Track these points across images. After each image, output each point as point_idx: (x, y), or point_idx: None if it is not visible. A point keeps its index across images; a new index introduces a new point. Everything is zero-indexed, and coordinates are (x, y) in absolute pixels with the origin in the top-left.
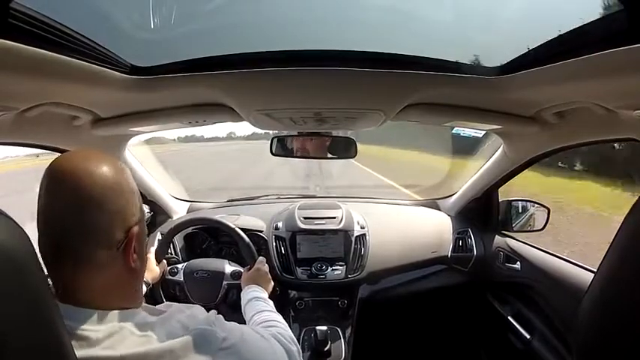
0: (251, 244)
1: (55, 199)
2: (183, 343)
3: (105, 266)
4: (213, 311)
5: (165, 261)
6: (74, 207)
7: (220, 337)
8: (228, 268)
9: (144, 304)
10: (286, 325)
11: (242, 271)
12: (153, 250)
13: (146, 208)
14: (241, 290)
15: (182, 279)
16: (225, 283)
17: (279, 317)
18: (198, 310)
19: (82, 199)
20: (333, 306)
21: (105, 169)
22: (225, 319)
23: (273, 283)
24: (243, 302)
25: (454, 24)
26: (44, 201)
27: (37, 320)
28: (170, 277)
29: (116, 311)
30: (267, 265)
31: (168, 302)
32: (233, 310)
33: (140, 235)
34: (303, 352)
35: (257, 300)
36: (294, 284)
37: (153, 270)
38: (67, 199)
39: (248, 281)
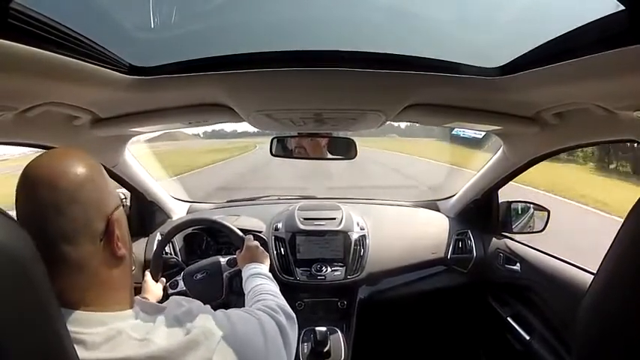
0: (235, 228)
1: (32, 203)
2: (184, 343)
3: (91, 262)
4: (207, 306)
5: (164, 278)
6: (51, 208)
7: (218, 335)
8: (223, 259)
9: (140, 300)
10: (277, 293)
11: (236, 256)
12: (148, 273)
13: (121, 194)
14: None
15: (184, 288)
16: (225, 274)
17: (270, 286)
18: (194, 305)
19: (57, 199)
20: (332, 307)
21: (76, 166)
22: (237, 308)
23: (267, 253)
24: (243, 284)
25: (455, 24)
26: (21, 206)
27: (39, 322)
28: (172, 291)
29: (112, 313)
30: (255, 240)
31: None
32: (243, 298)
33: (120, 220)
34: (303, 352)
35: (252, 277)
36: (294, 285)
37: (153, 291)
38: (43, 200)
39: (244, 261)
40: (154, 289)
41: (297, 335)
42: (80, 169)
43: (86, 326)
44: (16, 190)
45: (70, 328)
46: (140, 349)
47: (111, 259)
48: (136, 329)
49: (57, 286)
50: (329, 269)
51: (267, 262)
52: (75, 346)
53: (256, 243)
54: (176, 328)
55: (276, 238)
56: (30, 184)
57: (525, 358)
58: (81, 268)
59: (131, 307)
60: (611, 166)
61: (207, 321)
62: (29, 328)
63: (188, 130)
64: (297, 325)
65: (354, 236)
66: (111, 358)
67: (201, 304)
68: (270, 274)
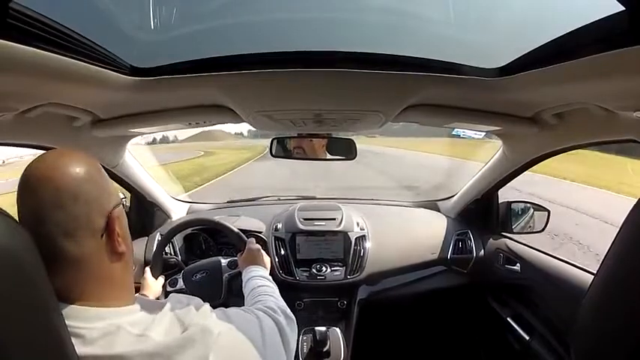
0: (236, 229)
1: (34, 202)
2: (180, 340)
3: (92, 257)
4: (207, 304)
5: (163, 276)
6: (53, 206)
7: (216, 332)
8: (224, 260)
9: (140, 297)
10: (277, 295)
11: (237, 259)
12: (148, 269)
13: (120, 195)
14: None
15: (183, 286)
16: (225, 275)
17: (270, 289)
18: (194, 302)
19: (59, 197)
20: (332, 307)
21: (76, 165)
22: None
23: (268, 258)
24: (243, 285)
25: (454, 25)
26: (23, 205)
27: (39, 319)
28: (171, 289)
29: (112, 309)
30: (257, 243)
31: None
32: (242, 300)
33: (120, 217)
34: (302, 352)
35: (252, 279)
36: (294, 285)
37: (152, 287)
38: (44, 199)
39: (244, 263)
40: (153, 285)
41: (296, 337)
42: (80, 168)
43: (85, 321)
44: (18, 190)
45: (70, 322)
46: (136, 345)
47: (112, 255)
48: (135, 325)
49: (58, 282)
50: (329, 269)
51: (269, 265)
52: (74, 340)
53: (258, 246)
54: (174, 324)
55: (276, 239)
56: (31, 184)
57: (525, 358)
58: (81, 264)
59: (132, 304)
60: None
61: (205, 319)
62: (28, 325)
63: (230, 128)
64: (296, 327)
65: (354, 236)
66: (106, 354)
67: (201, 301)
68: (270, 277)
